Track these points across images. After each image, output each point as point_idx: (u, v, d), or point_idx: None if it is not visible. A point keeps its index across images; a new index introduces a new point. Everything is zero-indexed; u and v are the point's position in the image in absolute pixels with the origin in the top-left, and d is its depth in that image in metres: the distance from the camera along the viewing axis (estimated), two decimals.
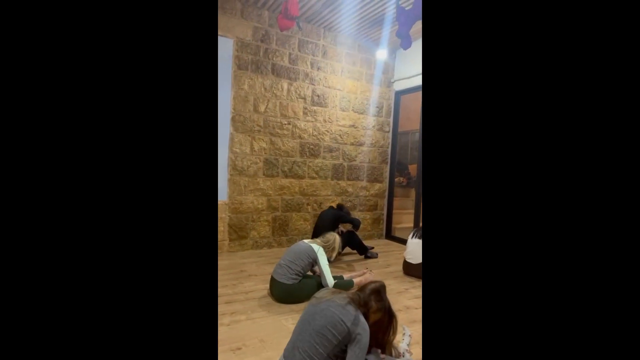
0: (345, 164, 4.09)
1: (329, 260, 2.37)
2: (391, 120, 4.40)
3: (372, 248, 3.60)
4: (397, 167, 4.75)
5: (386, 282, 2.66)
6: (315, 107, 3.81)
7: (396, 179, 4.84)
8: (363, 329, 1.28)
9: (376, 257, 3.51)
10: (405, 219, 4.62)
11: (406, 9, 2.46)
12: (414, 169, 5.03)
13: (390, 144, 4.44)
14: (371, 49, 4.05)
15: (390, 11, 3.17)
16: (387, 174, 4.45)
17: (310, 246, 2.33)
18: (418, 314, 2.16)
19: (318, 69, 3.79)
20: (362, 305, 1.37)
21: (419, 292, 2.55)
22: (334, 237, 2.45)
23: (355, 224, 3.45)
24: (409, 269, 2.89)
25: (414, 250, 2.83)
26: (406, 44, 2.45)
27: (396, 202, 4.63)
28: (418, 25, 3.25)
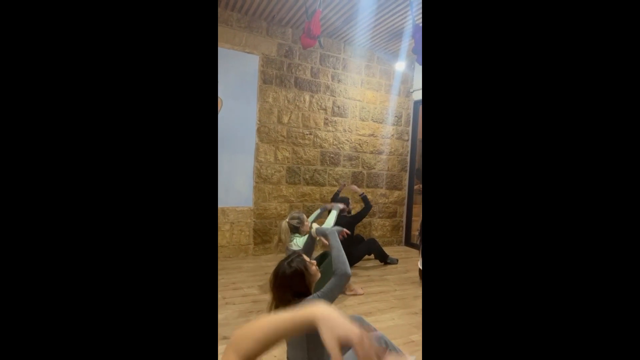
0: (364, 171, 4.21)
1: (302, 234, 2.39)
2: (410, 129, 4.50)
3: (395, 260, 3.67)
4: (417, 174, 4.82)
5: (403, 287, 2.78)
6: (335, 118, 3.97)
7: (416, 186, 4.91)
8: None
9: (396, 263, 3.59)
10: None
11: (421, 26, 2.58)
12: None
13: (409, 152, 4.53)
14: (390, 60, 4.18)
15: (408, 24, 3.30)
16: (406, 182, 4.53)
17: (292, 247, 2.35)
18: None
19: (338, 81, 3.96)
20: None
21: None
22: (296, 214, 2.49)
23: (366, 204, 3.40)
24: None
25: None
26: (420, 58, 2.57)
27: (416, 209, 4.69)
28: None
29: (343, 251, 1.43)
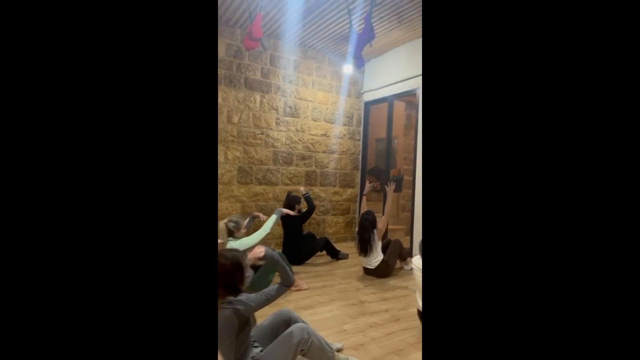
0: (318, 170, 4.32)
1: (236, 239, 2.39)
2: (361, 129, 4.67)
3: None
4: (374, 172, 4.99)
5: (348, 281, 2.91)
6: (287, 118, 4.04)
7: (369, 184, 5.09)
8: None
9: (346, 258, 3.73)
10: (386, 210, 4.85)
11: (358, 31, 2.71)
12: (393, 174, 5.28)
13: (361, 151, 4.70)
14: (340, 62, 4.31)
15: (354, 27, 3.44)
16: (358, 180, 4.70)
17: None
18: (370, 307, 2.38)
19: (290, 82, 4.03)
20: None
21: (374, 289, 2.78)
22: (235, 217, 2.50)
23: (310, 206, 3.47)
24: (367, 270, 3.12)
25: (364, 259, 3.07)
26: (359, 63, 2.70)
27: (369, 206, 4.86)
28: (376, 44, 3.51)
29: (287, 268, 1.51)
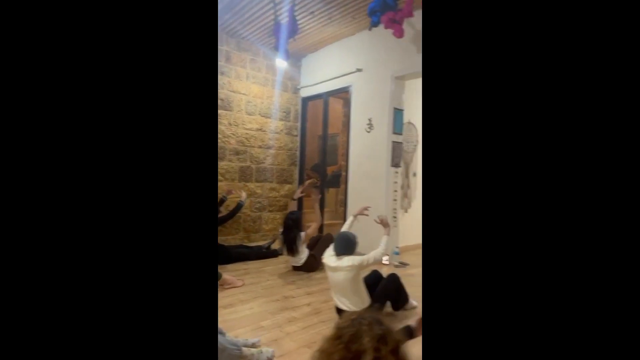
0: (253, 166, 4.21)
1: None
2: (299, 124, 4.64)
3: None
4: (316, 168, 4.99)
5: (275, 277, 2.85)
6: (219, 111, 3.87)
7: (309, 181, 5.09)
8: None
9: (281, 254, 3.68)
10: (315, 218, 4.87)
11: (283, 23, 2.67)
12: (332, 170, 5.33)
13: (299, 147, 4.67)
14: (274, 56, 4.23)
15: (284, 20, 3.38)
16: (296, 176, 4.67)
17: None
18: (293, 302, 2.36)
19: (221, 73, 3.86)
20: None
21: (301, 284, 2.77)
22: None
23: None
24: (295, 267, 3.11)
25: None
26: (285, 56, 2.66)
27: (308, 202, 4.87)
28: (311, 40, 3.50)
29: None
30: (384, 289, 2.10)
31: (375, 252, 1.98)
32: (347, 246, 2.02)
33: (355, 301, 1.98)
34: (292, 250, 2.99)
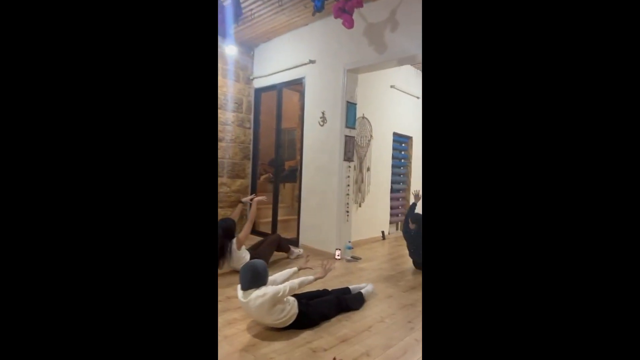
0: None
1: None
2: (252, 117, 4.47)
3: None
4: (273, 163, 4.84)
5: (222, 278, 2.70)
6: None
7: (265, 176, 4.94)
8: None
9: None
10: (270, 213, 4.75)
11: (225, 4, 2.50)
12: (290, 165, 5.21)
13: (252, 140, 4.51)
14: (224, 43, 4.02)
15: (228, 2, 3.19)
16: (249, 170, 4.51)
17: None
18: (235, 303, 2.24)
19: None
20: None
21: None
22: None
23: None
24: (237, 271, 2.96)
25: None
26: (229, 40, 2.49)
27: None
28: (262, 29, 3.34)
29: None
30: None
31: (292, 282, 1.83)
32: (252, 279, 1.79)
33: (275, 317, 1.80)
34: (223, 258, 2.76)
